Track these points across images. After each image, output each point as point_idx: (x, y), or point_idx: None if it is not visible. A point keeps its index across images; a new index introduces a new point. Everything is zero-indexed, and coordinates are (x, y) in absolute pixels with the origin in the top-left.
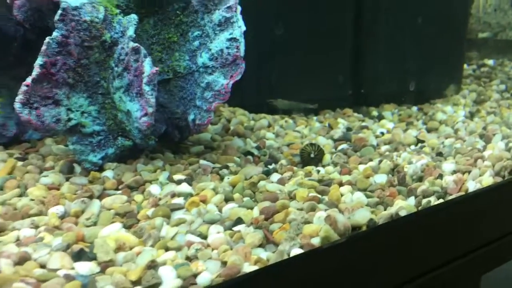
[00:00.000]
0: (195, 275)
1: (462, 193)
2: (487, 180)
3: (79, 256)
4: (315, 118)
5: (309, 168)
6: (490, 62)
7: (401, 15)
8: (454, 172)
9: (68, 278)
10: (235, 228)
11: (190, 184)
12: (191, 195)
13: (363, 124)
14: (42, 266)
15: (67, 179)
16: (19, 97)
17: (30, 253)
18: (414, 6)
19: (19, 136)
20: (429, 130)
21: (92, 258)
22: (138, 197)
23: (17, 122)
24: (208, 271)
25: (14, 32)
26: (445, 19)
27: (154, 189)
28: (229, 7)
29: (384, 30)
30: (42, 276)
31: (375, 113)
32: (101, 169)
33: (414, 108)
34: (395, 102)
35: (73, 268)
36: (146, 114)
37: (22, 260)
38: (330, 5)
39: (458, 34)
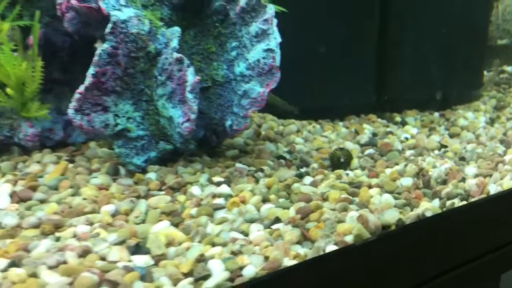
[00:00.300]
0: (241, 268)
1: (484, 195)
2: (508, 183)
3: (135, 250)
4: (341, 123)
5: (339, 171)
6: (509, 68)
7: (424, 22)
8: (476, 175)
9: (127, 269)
10: (274, 226)
11: (229, 186)
12: (230, 196)
13: (388, 129)
14: (103, 258)
15: (114, 180)
16: (73, 104)
17: (91, 247)
18: (436, 14)
19: (65, 139)
20: (451, 136)
21: (146, 252)
22: (180, 197)
23: (64, 127)
24: (252, 265)
25: (62, 42)
26: (467, 26)
27: (195, 190)
28: (266, 20)
29: (407, 37)
30: (104, 267)
31: (398, 118)
32: (144, 171)
33: (436, 114)
34: (417, 108)
35: (130, 261)
36: (188, 120)
37: (84, 253)
38: (356, 12)
39: (479, 41)
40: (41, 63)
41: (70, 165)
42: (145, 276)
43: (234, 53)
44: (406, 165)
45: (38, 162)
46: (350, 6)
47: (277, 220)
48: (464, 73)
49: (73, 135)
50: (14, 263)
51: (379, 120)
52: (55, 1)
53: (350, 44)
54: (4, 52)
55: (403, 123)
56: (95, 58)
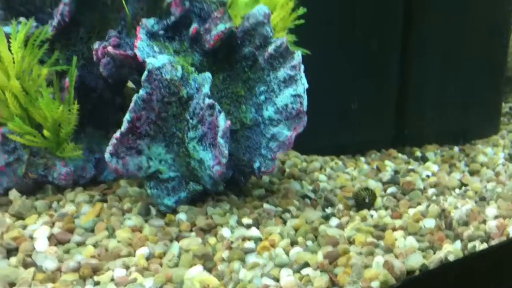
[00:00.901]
0: None
1: (504, 238)
2: None
3: None
4: (362, 159)
5: (363, 212)
6: None
7: (443, 56)
8: (496, 217)
9: None
10: (303, 272)
11: (258, 228)
12: (260, 239)
13: (410, 167)
14: None
15: (146, 221)
16: (109, 149)
17: None
18: (454, 46)
19: (96, 177)
20: (471, 173)
21: None
22: (211, 239)
23: (95, 165)
24: None
25: (95, 84)
26: (485, 57)
27: (225, 232)
28: (294, 66)
29: (426, 71)
30: None
31: (418, 153)
32: (174, 211)
33: (456, 149)
34: (437, 142)
35: None
36: (219, 163)
37: None
38: (376, 45)
39: (497, 72)
40: (77, 107)
41: (104, 205)
42: None
43: (262, 97)
44: (428, 206)
45: (72, 201)
46: (371, 38)
47: (306, 264)
48: (482, 106)
49: (104, 173)
50: None
51: (400, 155)
52: (90, 45)
53: (371, 79)
54: (43, 96)
55: (424, 159)
56: (131, 105)
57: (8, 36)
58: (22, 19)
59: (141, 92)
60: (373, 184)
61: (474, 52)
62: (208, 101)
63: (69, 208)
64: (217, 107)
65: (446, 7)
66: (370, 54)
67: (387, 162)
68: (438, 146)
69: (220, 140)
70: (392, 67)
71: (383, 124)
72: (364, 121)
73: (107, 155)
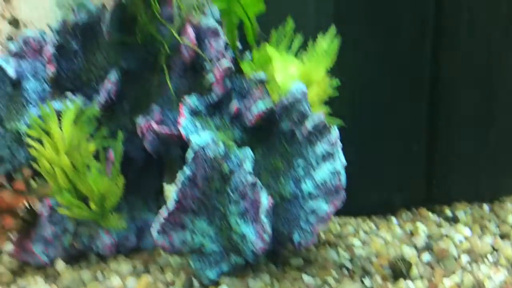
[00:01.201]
0: None
1: None
2: None
3: None
4: (394, 220)
5: (401, 284)
6: None
7: (470, 111)
8: None
9: None
10: None
11: None
12: None
13: (443, 231)
14: None
15: None
16: (157, 227)
17: None
18: (482, 104)
19: (138, 245)
20: (502, 236)
21: None
22: None
23: (136, 233)
24: None
25: (137, 156)
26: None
27: None
28: (331, 143)
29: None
30: None
31: (448, 211)
32: (216, 283)
33: (486, 208)
34: (466, 200)
35: None
36: (262, 240)
37: None
38: (403, 108)
39: None
40: (123, 180)
41: (148, 277)
42: None
43: (301, 171)
44: (462, 275)
45: (116, 271)
46: (398, 97)
47: None
48: (508, 156)
49: (144, 240)
50: None
51: (431, 215)
52: (133, 118)
53: (397, 137)
54: (90, 170)
55: (455, 219)
56: (179, 185)
57: (57, 112)
58: (69, 94)
59: (187, 172)
60: (407, 250)
61: (500, 110)
62: (250, 178)
63: (115, 281)
64: (259, 184)
65: (474, 73)
66: (398, 113)
67: (419, 223)
68: (467, 203)
69: (263, 218)
70: (420, 124)
71: (413, 183)
72: (394, 179)
73: (155, 234)
